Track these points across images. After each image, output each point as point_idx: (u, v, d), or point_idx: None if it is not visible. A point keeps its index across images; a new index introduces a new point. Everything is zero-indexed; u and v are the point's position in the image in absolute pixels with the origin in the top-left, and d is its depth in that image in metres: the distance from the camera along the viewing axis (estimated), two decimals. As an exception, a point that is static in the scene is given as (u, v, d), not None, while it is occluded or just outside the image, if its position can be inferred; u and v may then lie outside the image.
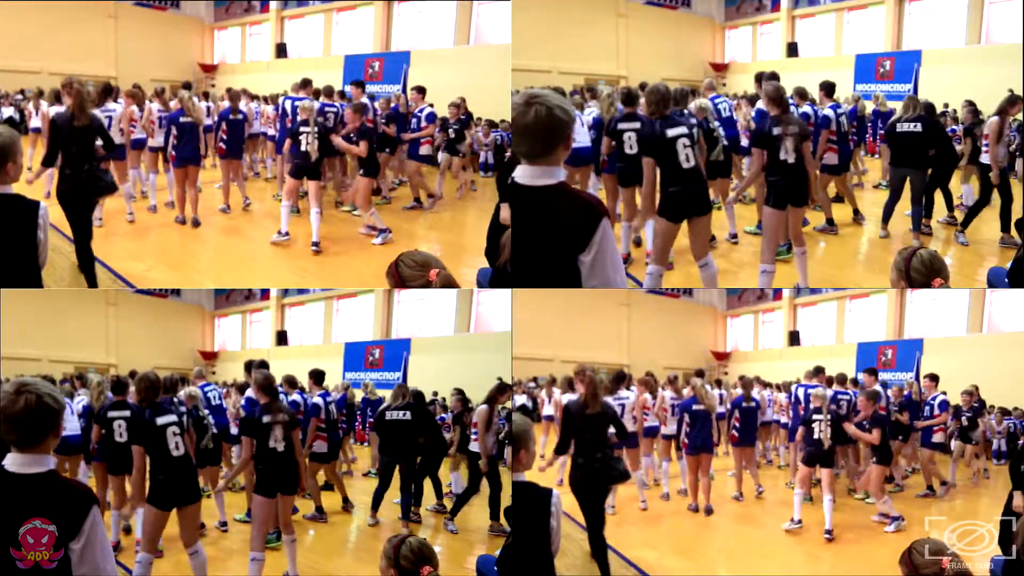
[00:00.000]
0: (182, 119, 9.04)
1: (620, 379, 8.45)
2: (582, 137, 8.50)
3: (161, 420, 5.27)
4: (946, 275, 3.64)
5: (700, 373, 9.92)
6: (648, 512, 8.14)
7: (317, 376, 8.08)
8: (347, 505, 8.14)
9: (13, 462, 2.52)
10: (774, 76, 7.70)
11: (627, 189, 7.90)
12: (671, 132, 6.02)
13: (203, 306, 17.90)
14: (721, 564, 6.86)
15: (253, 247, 8.64)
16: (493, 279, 3.98)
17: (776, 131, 6.49)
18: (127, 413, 6.47)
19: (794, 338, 17.08)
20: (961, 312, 14.48)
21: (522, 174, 2.94)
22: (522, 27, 13.59)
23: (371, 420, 10.09)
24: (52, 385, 2.62)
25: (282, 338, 16.82)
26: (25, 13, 15.06)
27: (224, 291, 17.07)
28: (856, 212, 9.52)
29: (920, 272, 3.64)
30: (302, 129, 8.53)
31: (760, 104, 10.19)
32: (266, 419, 5.59)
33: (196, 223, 9.31)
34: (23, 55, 15.08)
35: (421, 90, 10.51)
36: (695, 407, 8.02)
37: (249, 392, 8.95)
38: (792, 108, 7.55)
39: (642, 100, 7.46)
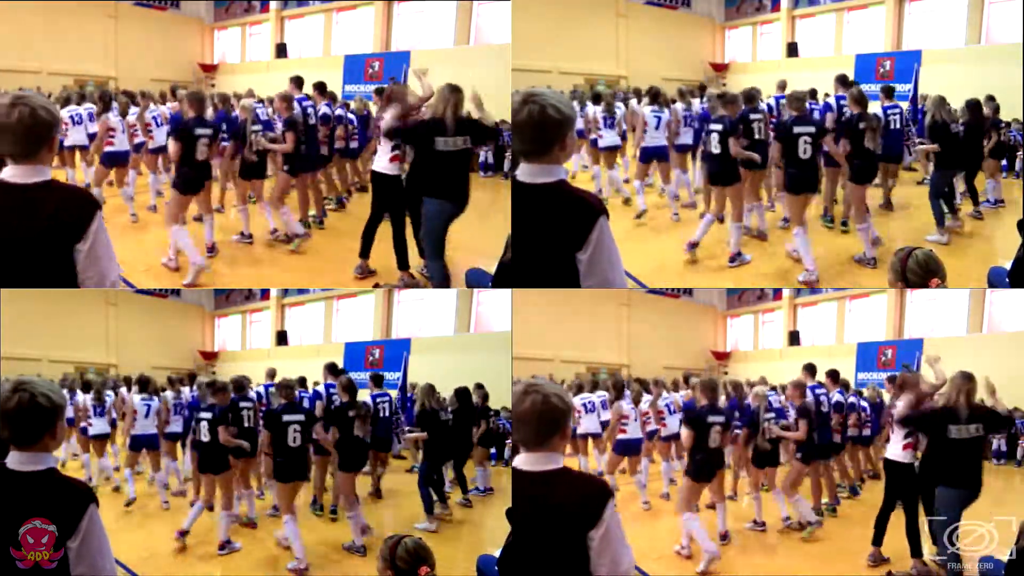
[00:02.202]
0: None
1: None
2: (651, 135, 9.49)
3: (287, 417, 6.56)
4: (943, 275, 3.64)
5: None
6: (648, 512, 8.14)
7: (376, 379, 8.87)
8: (378, 493, 8.85)
9: (12, 460, 2.53)
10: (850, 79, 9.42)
11: (717, 188, 8.30)
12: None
13: (203, 306, 17.88)
14: (721, 563, 6.85)
15: (253, 247, 8.68)
16: (497, 278, 3.96)
17: (862, 125, 7.99)
18: (209, 416, 7.01)
19: (794, 338, 17.06)
20: (961, 312, 14.46)
21: (522, 172, 2.96)
22: (522, 27, 13.56)
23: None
24: (52, 383, 2.62)
25: (282, 338, 16.80)
26: (25, 13, 15.04)
27: (224, 291, 17.06)
28: (887, 200, 9.70)
29: (916, 273, 3.64)
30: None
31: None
32: (351, 413, 7.02)
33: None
34: (23, 55, 15.05)
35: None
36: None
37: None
38: (809, 104, 8.89)
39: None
